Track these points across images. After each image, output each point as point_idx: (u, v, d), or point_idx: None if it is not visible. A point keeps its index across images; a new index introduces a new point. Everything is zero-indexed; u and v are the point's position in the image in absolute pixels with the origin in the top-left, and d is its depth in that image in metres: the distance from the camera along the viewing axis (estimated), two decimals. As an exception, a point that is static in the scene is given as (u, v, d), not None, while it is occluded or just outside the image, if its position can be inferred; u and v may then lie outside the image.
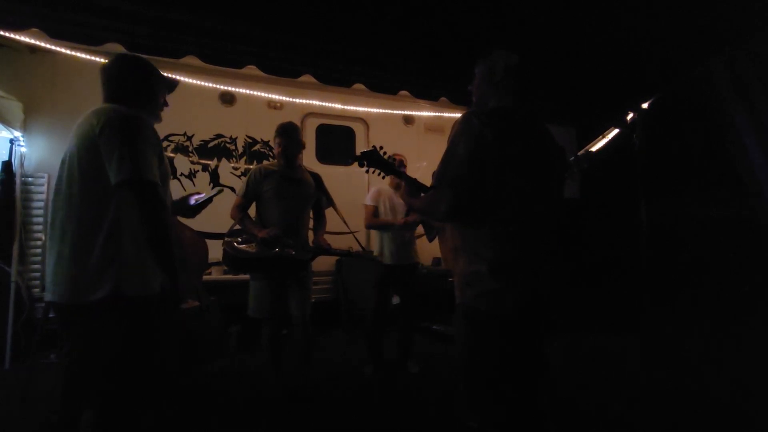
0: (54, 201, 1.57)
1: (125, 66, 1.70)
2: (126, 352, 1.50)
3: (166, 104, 1.82)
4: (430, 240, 3.45)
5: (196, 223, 3.11)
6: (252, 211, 2.94)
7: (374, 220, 3.48)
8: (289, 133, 2.86)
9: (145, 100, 1.70)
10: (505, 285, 1.44)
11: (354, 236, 3.18)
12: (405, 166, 3.48)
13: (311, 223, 3.09)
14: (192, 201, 2.08)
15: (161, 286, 1.58)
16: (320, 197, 3.04)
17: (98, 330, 1.49)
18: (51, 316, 2.97)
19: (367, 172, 2.04)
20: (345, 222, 3.04)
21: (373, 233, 3.69)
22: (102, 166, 1.47)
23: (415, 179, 1.95)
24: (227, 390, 3.12)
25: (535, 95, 3.85)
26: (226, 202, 4.59)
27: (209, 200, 2.13)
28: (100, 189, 1.49)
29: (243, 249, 2.72)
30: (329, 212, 3.14)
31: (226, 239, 2.80)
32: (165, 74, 1.82)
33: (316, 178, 3.04)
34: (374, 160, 1.97)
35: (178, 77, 3.98)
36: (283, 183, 2.83)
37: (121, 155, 1.44)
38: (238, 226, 2.84)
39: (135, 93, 1.66)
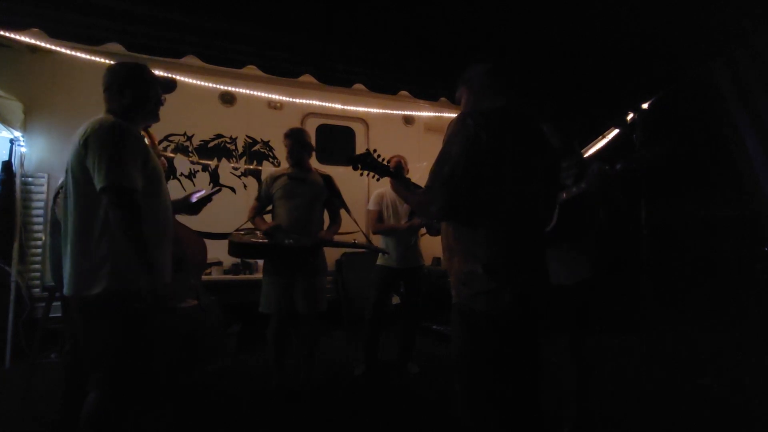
0: (63, 209, 1.74)
1: (119, 76, 1.80)
2: (122, 341, 1.66)
3: (161, 103, 1.92)
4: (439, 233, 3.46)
5: (196, 223, 3.12)
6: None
7: (379, 225, 3.48)
8: (296, 137, 3.04)
9: (140, 107, 1.81)
10: (500, 284, 1.44)
11: (363, 233, 3.22)
12: (404, 168, 3.48)
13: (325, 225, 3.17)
14: (193, 198, 2.18)
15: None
16: (332, 198, 3.11)
17: (97, 321, 1.66)
18: (51, 315, 2.98)
19: (361, 175, 2.06)
20: (354, 220, 3.10)
21: (377, 236, 3.68)
22: (88, 173, 1.61)
23: (409, 180, 1.97)
24: (227, 390, 3.12)
25: (528, 95, 3.85)
26: (225, 202, 4.60)
27: (209, 198, 2.22)
28: (90, 194, 1.62)
29: (245, 238, 2.90)
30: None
31: (233, 233, 2.98)
32: (162, 75, 1.90)
33: (327, 179, 3.12)
34: (368, 163, 1.99)
35: (178, 77, 4.00)
36: (290, 183, 2.99)
37: (100, 164, 1.57)
38: (249, 225, 3.05)
39: (128, 102, 1.78)
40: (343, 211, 3.18)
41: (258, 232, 2.93)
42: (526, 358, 1.52)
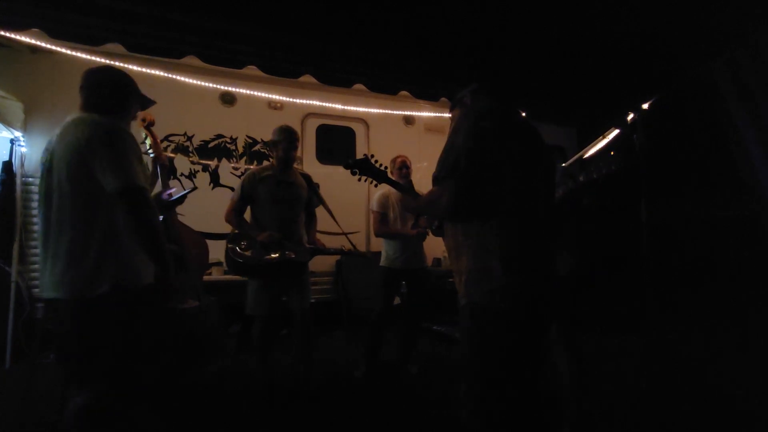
0: (44, 209, 1.66)
1: (107, 77, 1.82)
2: (128, 340, 1.65)
3: (134, 118, 1.95)
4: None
5: (197, 224, 3.12)
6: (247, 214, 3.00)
7: (384, 228, 3.44)
8: (291, 137, 2.93)
9: (119, 110, 1.80)
10: (516, 280, 1.42)
11: (346, 236, 3.19)
12: (409, 168, 3.46)
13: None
14: (164, 196, 2.18)
15: (154, 278, 1.72)
16: (311, 197, 3.08)
17: (102, 321, 1.61)
18: (50, 315, 2.98)
19: (359, 180, 2.07)
20: (335, 219, 3.07)
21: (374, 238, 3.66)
22: (90, 174, 1.58)
23: (410, 184, 1.98)
24: (227, 390, 3.12)
25: (528, 95, 3.85)
26: (225, 203, 4.59)
27: (183, 197, 2.21)
28: (91, 194, 1.60)
29: (246, 255, 2.78)
30: (323, 213, 3.17)
31: (228, 245, 2.84)
32: (143, 94, 1.94)
33: (307, 178, 3.09)
34: (365, 168, 2.00)
35: (178, 77, 4.01)
36: (277, 186, 2.89)
37: (112, 167, 1.57)
38: (236, 231, 2.91)
39: (110, 103, 1.77)
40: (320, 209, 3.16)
41: (245, 242, 2.81)
42: (534, 358, 1.51)
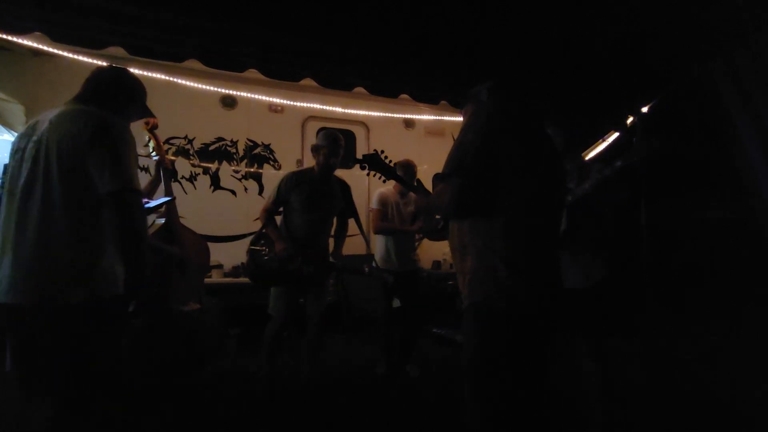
0: (21, 202, 1.50)
1: (116, 77, 1.78)
2: (101, 354, 1.53)
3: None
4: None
5: (198, 226, 3.13)
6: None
7: (383, 224, 3.45)
8: (336, 144, 2.86)
9: (118, 110, 1.72)
10: (520, 281, 1.41)
11: (364, 239, 3.20)
12: (415, 171, 3.45)
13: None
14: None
15: (124, 286, 1.57)
16: (345, 208, 3.05)
17: (73, 330, 1.47)
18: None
19: (368, 175, 2.08)
20: (363, 233, 3.07)
21: (375, 236, 3.66)
22: (86, 172, 1.48)
23: (418, 183, 1.98)
24: (227, 391, 3.11)
25: (528, 95, 3.86)
26: (226, 205, 4.60)
27: (158, 206, 2.24)
28: (83, 193, 1.50)
29: (264, 264, 2.80)
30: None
31: (251, 247, 2.86)
32: (146, 105, 1.91)
33: (344, 188, 3.04)
34: (375, 163, 2.02)
35: (179, 80, 4.03)
36: (312, 195, 2.84)
37: (113, 167, 1.49)
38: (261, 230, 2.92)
39: (109, 100, 1.70)
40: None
41: (267, 248, 2.82)
42: (538, 360, 1.50)
